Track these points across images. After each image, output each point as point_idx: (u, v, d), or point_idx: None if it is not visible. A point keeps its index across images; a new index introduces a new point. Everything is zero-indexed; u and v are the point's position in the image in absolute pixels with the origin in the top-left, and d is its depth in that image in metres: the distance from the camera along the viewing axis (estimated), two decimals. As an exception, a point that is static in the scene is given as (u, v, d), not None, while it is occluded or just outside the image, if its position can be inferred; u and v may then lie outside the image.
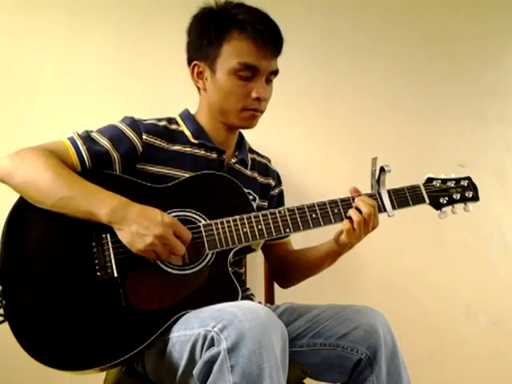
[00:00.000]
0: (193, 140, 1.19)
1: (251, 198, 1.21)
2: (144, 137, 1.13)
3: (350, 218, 1.11)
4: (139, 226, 0.97)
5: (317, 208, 1.13)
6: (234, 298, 1.02)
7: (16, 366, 1.30)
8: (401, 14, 1.85)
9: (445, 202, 1.19)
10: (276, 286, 1.44)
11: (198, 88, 1.23)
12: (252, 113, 1.17)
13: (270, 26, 1.14)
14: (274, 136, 1.68)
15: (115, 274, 1.00)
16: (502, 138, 1.90)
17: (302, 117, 1.76)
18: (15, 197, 1.03)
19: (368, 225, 1.11)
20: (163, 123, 1.19)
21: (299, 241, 1.36)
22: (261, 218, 1.09)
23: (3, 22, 1.57)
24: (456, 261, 1.82)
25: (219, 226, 1.07)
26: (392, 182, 1.17)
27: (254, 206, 1.22)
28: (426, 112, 1.85)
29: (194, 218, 1.08)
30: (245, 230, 1.08)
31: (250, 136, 1.35)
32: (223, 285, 1.05)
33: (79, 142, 1.08)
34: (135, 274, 1.02)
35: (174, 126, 1.21)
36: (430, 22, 1.86)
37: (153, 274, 1.02)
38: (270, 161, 1.40)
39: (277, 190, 1.38)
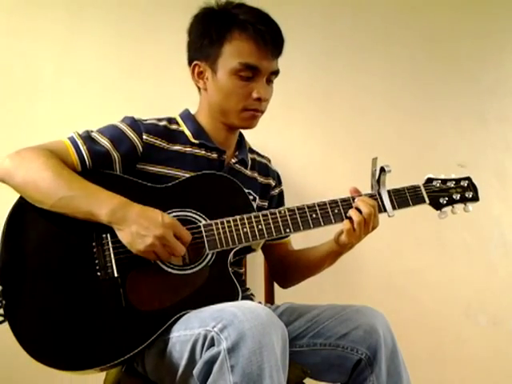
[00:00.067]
0: (193, 140, 1.19)
1: (251, 198, 1.21)
2: (144, 137, 1.13)
3: (350, 218, 1.11)
4: (139, 226, 0.97)
5: (317, 208, 1.13)
6: (234, 298, 1.02)
7: (16, 366, 1.30)
8: (401, 13, 1.85)
9: (445, 202, 1.19)
10: (276, 286, 1.44)
11: (199, 88, 1.23)
12: (252, 113, 1.17)
13: (271, 27, 1.14)
14: (274, 136, 1.68)
15: (115, 274, 1.00)
16: (502, 138, 1.90)
17: (302, 117, 1.76)
18: (15, 197, 1.03)
19: (368, 225, 1.11)
20: (163, 123, 1.19)
21: (299, 241, 1.36)
22: (261, 218, 1.09)
23: (3, 22, 1.57)
24: (456, 261, 1.82)
25: (219, 226, 1.07)
26: (392, 182, 1.17)
27: (254, 206, 1.22)
28: (426, 112, 1.85)
29: (194, 218, 1.08)
30: (245, 230, 1.08)
31: (250, 136, 1.35)
32: (223, 285, 1.05)
33: (79, 142, 1.08)
34: (135, 274, 1.02)
35: (174, 126, 1.21)
36: (430, 22, 1.86)
37: (153, 274, 1.02)
38: (270, 161, 1.41)
39: (277, 190, 1.38)
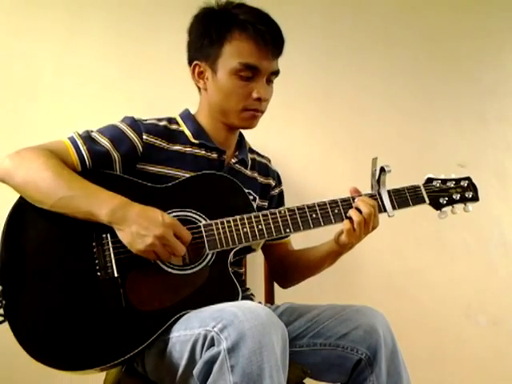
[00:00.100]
0: (193, 140, 1.19)
1: (251, 198, 1.21)
2: (144, 137, 1.13)
3: (350, 218, 1.12)
4: (139, 226, 0.97)
5: (317, 208, 1.13)
6: (234, 298, 1.02)
7: (16, 366, 1.30)
8: (401, 13, 1.85)
9: (445, 202, 1.19)
10: (276, 286, 1.44)
11: (199, 88, 1.23)
12: (252, 113, 1.17)
13: (272, 27, 1.15)
14: (274, 136, 1.68)
15: (115, 274, 1.00)
16: (502, 138, 1.90)
17: (302, 117, 1.76)
18: (15, 197, 1.03)
19: (368, 225, 1.11)
20: (163, 123, 1.19)
21: (299, 241, 1.36)
22: (261, 218, 1.10)
23: (3, 21, 1.57)
24: (456, 261, 1.83)
25: (219, 226, 1.07)
26: (392, 182, 1.17)
27: (254, 206, 1.22)
28: (426, 112, 1.85)
29: (194, 217, 1.08)
30: (245, 230, 1.08)
31: (250, 136, 1.35)
32: (223, 285, 1.05)
33: (79, 142, 1.08)
34: (135, 274, 1.02)
35: (174, 126, 1.21)
36: (430, 22, 1.86)
37: (153, 274, 1.02)
38: (270, 161, 1.41)
39: (277, 190, 1.38)
